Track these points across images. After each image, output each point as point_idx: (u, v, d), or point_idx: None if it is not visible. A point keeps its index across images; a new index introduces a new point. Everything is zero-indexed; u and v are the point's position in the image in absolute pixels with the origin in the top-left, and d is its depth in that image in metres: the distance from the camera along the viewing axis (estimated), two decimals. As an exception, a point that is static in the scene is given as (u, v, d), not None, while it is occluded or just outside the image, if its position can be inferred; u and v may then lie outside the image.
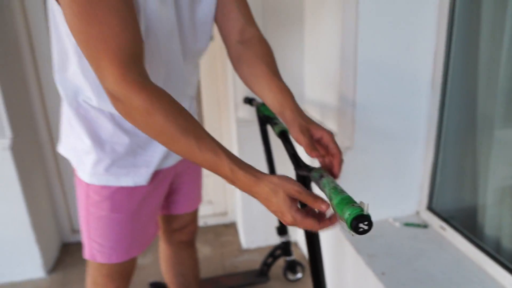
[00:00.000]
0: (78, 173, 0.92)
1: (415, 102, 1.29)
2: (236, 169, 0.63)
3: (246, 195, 1.61)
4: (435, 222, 1.32)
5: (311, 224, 0.63)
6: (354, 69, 1.23)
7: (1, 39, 1.59)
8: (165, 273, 1.32)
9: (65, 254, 1.99)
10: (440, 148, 1.31)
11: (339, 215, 0.61)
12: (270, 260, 1.65)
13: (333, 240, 1.44)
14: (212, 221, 2.17)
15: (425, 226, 1.33)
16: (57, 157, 1.97)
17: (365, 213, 0.58)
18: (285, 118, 0.78)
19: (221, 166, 0.64)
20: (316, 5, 1.55)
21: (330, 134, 0.75)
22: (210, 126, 2.04)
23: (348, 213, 0.58)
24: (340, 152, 0.75)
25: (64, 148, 0.95)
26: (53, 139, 1.94)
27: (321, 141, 0.76)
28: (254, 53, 0.88)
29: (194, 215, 1.23)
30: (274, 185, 0.63)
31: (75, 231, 2.11)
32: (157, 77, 0.79)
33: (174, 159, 0.98)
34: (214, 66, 1.95)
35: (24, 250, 1.78)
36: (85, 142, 0.87)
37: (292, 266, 1.66)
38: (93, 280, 1.04)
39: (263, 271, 1.65)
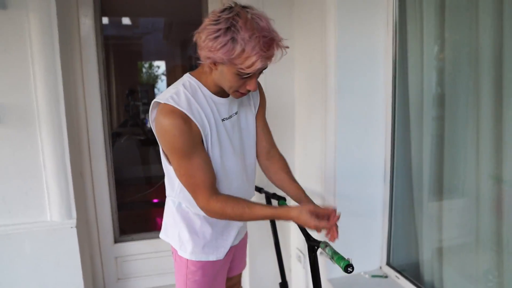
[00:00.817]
0: (179, 252, 1.40)
1: (374, 191, 1.96)
2: (277, 211, 1.23)
3: (253, 260, 2.16)
4: (392, 273, 1.93)
5: (324, 223, 1.18)
6: (334, 170, 1.90)
7: (73, 133, 2.16)
8: None
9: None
10: (392, 222, 1.96)
11: (338, 264, 1.20)
12: (275, 309, 2.17)
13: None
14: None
15: (385, 276, 1.94)
16: (100, 232, 2.46)
17: (351, 262, 1.19)
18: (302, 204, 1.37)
19: (269, 215, 1.23)
20: (304, 123, 2.26)
21: (334, 210, 1.25)
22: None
23: (343, 263, 1.18)
24: (336, 225, 1.29)
25: (167, 235, 1.47)
26: (97, 217, 2.44)
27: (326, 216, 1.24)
28: (278, 167, 1.51)
29: (240, 275, 1.73)
30: (300, 208, 1.20)
31: (107, 293, 2.54)
32: (230, 186, 1.37)
33: (238, 239, 1.52)
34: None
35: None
36: (185, 232, 1.39)
37: (291, 314, 2.19)
38: None
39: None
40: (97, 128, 2.35)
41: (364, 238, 1.98)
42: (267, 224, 2.18)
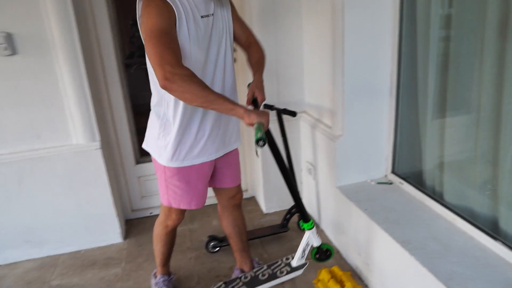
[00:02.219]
0: (158, 160, 1.58)
1: (381, 105, 2.04)
2: (235, 106, 1.30)
3: (267, 173, 2.33)
4: (396, 180, 2.08)
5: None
6: (342, 83, 1.97)
7: (88, 61, 2.24)
8: (226, 227, 1.95)
9: (129, 227, 2.66)
10: (397, 135, 2.07)
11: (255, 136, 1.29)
12: (288, 216, 2.38)
13: (328, 196, 2.18)
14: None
15: (390, 183, 2.09)
16: (122, 153, 2.63)
17: (264, 138, 1.28)
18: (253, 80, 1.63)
19: (230, 105, 1.29)
20: (312, 41, 2.28)
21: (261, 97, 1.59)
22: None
23: (256, 136, 1.28)
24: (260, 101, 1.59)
25: (147, 145, 1.65)
26: (118, 140, 2.60)
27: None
28: (253, 57, 1.69)
29: (238, 188, 1.88)
30: (248, 111, 1.31)
31: (134, 210, 2.78)
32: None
33: (220, 153, 1.65)
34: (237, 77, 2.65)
35: (108, 223, 2.45)
36: (162, 141, 1.55)
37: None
38: (164, 216, 1.77)
39: (284, 224, 2.38)
40: (110, 56, 2.41)
41: (371, 149, 2.11)
42: (279, 138, 2.31)
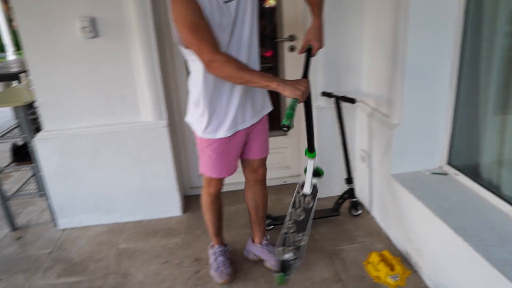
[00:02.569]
0: (195, 131, 1.77)
1: (440, 96, 2.05)
2: (276, 81, 1.41)
3: (320, 159, 2.40)
4: (452, 171, 2.09)
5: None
6: (403, 72, 2.00)
7: (159, 46, 2.42)
8: (246, 199, 2.07)
9: (187, 202, 2.84)
10: (455, 127, 2.07)
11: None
12: (340, 201, 2.46)
13: (383, 183, 2.23)
14: (290, 181, 3.00)
15: (445, 173, 2.11)
16: (184, 134, 2.81)
17: (291, 126, 1.33)
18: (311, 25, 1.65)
19: (269, 78, 1.41)
20: (375, 24, 2.32)
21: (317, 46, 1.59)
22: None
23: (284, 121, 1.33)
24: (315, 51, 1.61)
25: (187, 119, 1.82)
26: (181, 121, 2.78)
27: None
28: None
29: (261, 161, 1.96)
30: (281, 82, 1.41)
31: (192, 187, 2.97)
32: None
33: (248, 123, 1.75)
34: (296, 70, 2.74)
35: (170, 196, 2.64)
36: (197, 115, 1.71)
37: (355, 205, 2.47)
38: (205, 185, 1.94)
39: (335, 208, 2.46)
40: (178, 39, 2.57)
41: (427, 139, 2.13)
42: (335, 125, 2.39)
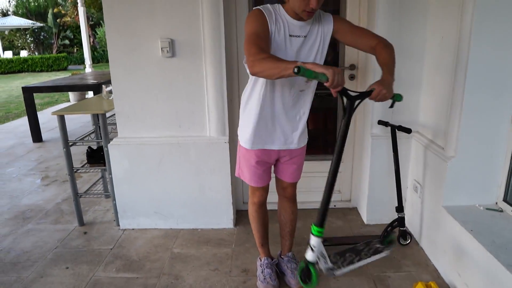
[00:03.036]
0: (240, 142, 1.96)
1: (500, 131, 2.06)
2: (314, 63, 1.40)
3: (372, 186, 2.45)
4: (508, 208, 2.07)
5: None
6: (461, 104, 2.04)
7: (228, 66, 2.62)
8: (278, 213, 2.20)
9: (239, 216, 2.98)
10: (514, 162, 2.06)
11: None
12: (389, 229, 2.48)
13: (434, 215, 2.24)
14: (339, 205, 3.06)
15: (501, 210, 2.09)
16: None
17: (300, 73, 1.35)
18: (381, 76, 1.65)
19: (291, 64, 1.39)
20: (434, 62, 2.38)
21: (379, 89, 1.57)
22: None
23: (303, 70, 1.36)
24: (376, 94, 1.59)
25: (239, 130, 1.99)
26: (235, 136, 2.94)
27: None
28: (381, 51, 1.72)
29: (292, 184, 2.08)
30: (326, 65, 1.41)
31: (245, 202, 3.10)
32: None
33: (280, 145, 1.91)
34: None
35: (224, 209, 2.79)
36: (241, 126, 1.94)
37: (404, 234, 2.48)
38: (250, 195, 2.11)
39: (384, 236, 2.48)
40: (245, 63, 2.77)
41: (483, 174, 2.12)
42: (389, 154, 2.44)
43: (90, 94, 8.00)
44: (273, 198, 2.24)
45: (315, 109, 2.01)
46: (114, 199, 2.82)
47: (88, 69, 8.67)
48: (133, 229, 2.85)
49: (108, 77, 5.81)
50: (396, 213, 2.44)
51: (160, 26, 2.47)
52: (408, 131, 2.27)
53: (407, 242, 2.49)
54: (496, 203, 2.16)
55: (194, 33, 2.48)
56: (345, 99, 1.62)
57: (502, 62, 1.97)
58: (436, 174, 2.26)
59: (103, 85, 3.16)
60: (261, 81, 1.78)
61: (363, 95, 1.62)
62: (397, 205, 2.43)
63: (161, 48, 2.48)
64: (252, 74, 1.57)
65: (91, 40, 20.49)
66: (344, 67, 2.79)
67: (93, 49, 20.16)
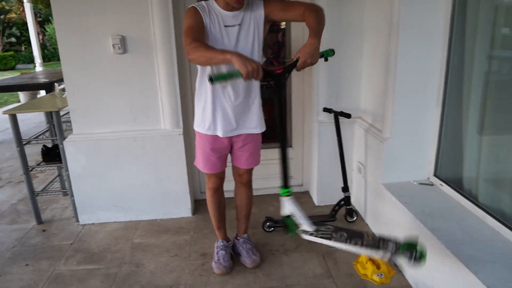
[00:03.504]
0: (195, 128, 2.07)
1: (427, 113, 2.29)
2: (232, 54, 1.55)
3: (321, 169, 2.64)
4: (437, 182, 2.31)
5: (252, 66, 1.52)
6: (393, 91, 2.25)
7: (179, 61, 2.71)
8: (234, 198, 2.33)
9: (197, 205, 3.09)
10: (441, 142, 2.30)
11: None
12: (336, 208, 2.68)
13: (375, 192, 2.46)
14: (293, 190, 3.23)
15: (431, 184, 2.33)
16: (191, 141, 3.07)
17: (213, 83, 1.62)
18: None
19: (225, 56, 1.56)
20: (372, 47, 2.59)
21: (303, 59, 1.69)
22: (296, 126, 3.11)
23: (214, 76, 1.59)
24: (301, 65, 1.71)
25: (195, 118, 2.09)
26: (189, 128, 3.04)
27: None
28: (309, 16, 1.78)
29: (247, 170, 2.20)
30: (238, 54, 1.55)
31: (202, 192, 3.21)
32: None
33: (232, 133, 2.02)
34: (302, 87, 3.01)
35: (182, 199, 2.89)
36: (196, 115, 2.05)
37: (350, 212, 2.69)
38: (206, 180, 2.22)
39: (332, 215, 2.68)
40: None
41: (416, 152, 2.36)
42: (335, 139, 2.63)
43: (42, 93, 7.78)
44: (231, 186, 2.37)
45: (270, 100, 2.09)
46: (72, 195, 2.85)
47: (39, 68, 8.40)
48: (92, 223, 2.90)
49: (61, 75, 5.71)
50: (343, 193, 2.65)
51: (111, 23, 2.53)
52: (348, 116, 2.47)
53: (354, 219, 2.71)
54: (428, 178, 2.40)
55: (144, 29, 2.55)
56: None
57: (426, 51, 2.19)
58: (376, 154, 2.48)
59: (55, 83, 3.16)
60: (209, 68, 1.88)
61: (289, 69, 1.76)
62: (343, 185, 2.63)
63: (113, 45, 2.54)
64: (189, 61, 1.72)
65: (40, 37, 19.65)
66: (291, 59, 2.95)
67: (43, 47, 19.36)
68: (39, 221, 2.96)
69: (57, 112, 2.75)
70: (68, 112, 2.82)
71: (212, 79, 1.57)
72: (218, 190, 2.26)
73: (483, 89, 1.98)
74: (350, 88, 2.75)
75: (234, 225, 2.46)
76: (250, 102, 2.02)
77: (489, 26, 1.91)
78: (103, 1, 2.49)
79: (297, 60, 1.70)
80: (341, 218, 2.73)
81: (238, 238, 2.41)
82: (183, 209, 2.92)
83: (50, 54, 21.14)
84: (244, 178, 2.26)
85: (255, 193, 2.38)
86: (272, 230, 2.65)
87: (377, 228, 2.53)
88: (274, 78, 1.77)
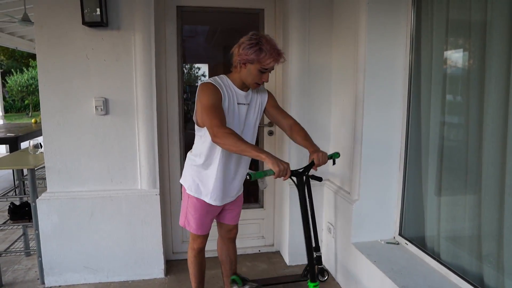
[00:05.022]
0: (187, 190, 2.13)
1: (391, 178, 2.51)
2: (266, 154, 1.71)
3: (292, 230, 2.76)
4: (402, 241, 2.48)
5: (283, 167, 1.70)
6: (360, 158, 2.46)
7: (159, 124, 2.82)
8: (220, 255, 2.44)
9: (170, 266, 3.08)
10: (404, 203, 2.50)
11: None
12: (308, 267, 2.76)
13: (345, 251, 2.58)
14: (264, 250, 3.30)
15: (397, 243, 2.49)
16: (172, 202, 3.13)
17: (252, 179, 1.72)
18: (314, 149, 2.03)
19: (256, 149, 1.73)
20: (339, 113, 2.83)
21: (317, 157, 1.97)
22: (268, 187, 3.24)
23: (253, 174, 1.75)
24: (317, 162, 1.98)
25: (184, 180, 2.17)
26: (171, 189, 3.11)
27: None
28: (298, 135, 2.13)
29: (236, 225, 2.36)
30: (270, 157, 1.71)
31: (175, 252, 3.21)
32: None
33: (229, 200, 2.19)
34: (273, 151, 3.19)
35: (155, 259, 2.87)
36: (196, 179, 2.11)
37: (321, 272, 2.77)
38: (191, 240, 2.25)
39: (305, 274, 2.75)
40: (174, 119, 3.02)
41: (382, 213, 2.54)
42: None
43: (1, 148, 7.55)
44: (210, 246, 2.42)
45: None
46: (40, 256, 2.78)
47: (0, 121, 8.21)
48: (59, 286, 2.80)
49: (26, 130, 5.63)
50: (314, 253, 2.75)
51: (94, 86, 2.64)
52: (319, 179, 2.63)
53: (325, 278, 2.79)
54: (394, 237, 2.57)
55: (127, 93, 2.68)
56: (294, 178, 1.99)
57: (389, 125, 2.45)
58: (345, 215, 2.64)
59: (30, 141, 3.16)
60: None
61: (308, 168, 2.03)
62: (314, 245, 2.74)
63: (95, 107, 2.64)
64: (213, 142, 1.84)
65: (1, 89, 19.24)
66: (264, 124, 3.15)
67: (5, 99, 18.92)
68: (0, 283, 2.83)
69: (32, 170, 2.75)
70: (40, 169, 2.82)
71: (251, 177, 1.74)
72: (202, 250, 2.31)
73: (438, 154, 2.22)
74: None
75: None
76: (243, 165, 2.19)
77: (440, 94, 2.19)
78: (88, 66, 2.62)
79: (312, 162, 1.99)
80: (313, 277, 2.80)
81: None
82: (156, 270, 2.90)
83: (8, 106, 20.64)
84: (234, 233, 2.40)
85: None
86: None
87: (349, 287, 2.62)
88: (296, 176, 2.00)
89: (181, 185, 2.22)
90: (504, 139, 1.74)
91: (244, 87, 2.05)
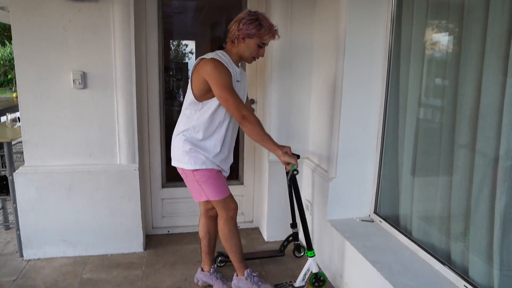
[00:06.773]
0: (191, 167, 2.12)
1: (368, 157, 2.54)
2: (281, 151, 1.99)
3: (271, 207, 2.80)
4: (377, 219, 2.53)
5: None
6: (338, 137, 2.49)
7: (138, 98, 2.80)
8: (200, 230, 2.45)
9: (149, 241, 3.10)
10: (380, 182, 2.55)
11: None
12: (285, 243, 2.81)
13: (321, 228, 2.63)
14: (243, 226, 3.34)
15: (372, 220, 2.55)
16: (151, 178, 3.13)
17: (295, 168, 1.98)
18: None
19: (275, 144, 2.03)
20: (318, 95, 2.84)
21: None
22: (248, 164, 3.26)
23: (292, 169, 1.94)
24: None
25: (180, 161, 2.16)
26: (151, 165, 3.11)
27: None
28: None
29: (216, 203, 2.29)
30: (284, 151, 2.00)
31: (154, 227, 3.23)
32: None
33: (225, 171, 2.29)
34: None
35: (134, 234, 2.89)
36: (196, 156, 2.12)
37: (298, 248, 2.83)
38: (224, 211, 2.25)
39: (281, 250, 2.81)
40: (154, 95, 2.99)
41: (358, 192, 2.58)
42: (284, 177, 2.81)
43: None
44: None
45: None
46: (18, 229, 2.77)
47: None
48: (38, 259, 2.81)
49: (6, 104, 5.54)
50: (291, 229, 2.80)
51: (72, 59, 2.59)
52: (297, 157, 2.65)
53: (301, 254, 2.85)
54: (369, 215, 2.62)
55: (106, 66, 2.64)
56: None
57: (365, 101, 2.47)
58: (322, 193, 2.68)
59: (7, 113, 3.11)
60: (224, 118, 2.12)
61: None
62: (291, 222, 2.79)
63: (73, 80, 2.60)
64: (240, 124, 2.00)
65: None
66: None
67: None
68: (-22, 256, 2.83)
69: (9, 143, 2.72)
70: (17, 143, 2.79)
71: (297, 171, 2.10)
72: (235, 218, 2.31)
73: (414, 135, 2.26)
74: (299, 130, 2.98)
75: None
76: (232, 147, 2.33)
77: (418, 76, 2.21)
78: (65, 39, 2.56)
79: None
80: (290, 254, 2.87)
81: (208, 270, 2.50)
82: (135, 244, 2.92)
83: (-10, 80, 20.14)
84: (214, 211, 2.39)
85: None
86: (224, 264, 2.72)
87: (324, 262, 2.68)
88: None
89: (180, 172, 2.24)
90: (475, 123, 1.77)
91: (237, 63, 2.13)
